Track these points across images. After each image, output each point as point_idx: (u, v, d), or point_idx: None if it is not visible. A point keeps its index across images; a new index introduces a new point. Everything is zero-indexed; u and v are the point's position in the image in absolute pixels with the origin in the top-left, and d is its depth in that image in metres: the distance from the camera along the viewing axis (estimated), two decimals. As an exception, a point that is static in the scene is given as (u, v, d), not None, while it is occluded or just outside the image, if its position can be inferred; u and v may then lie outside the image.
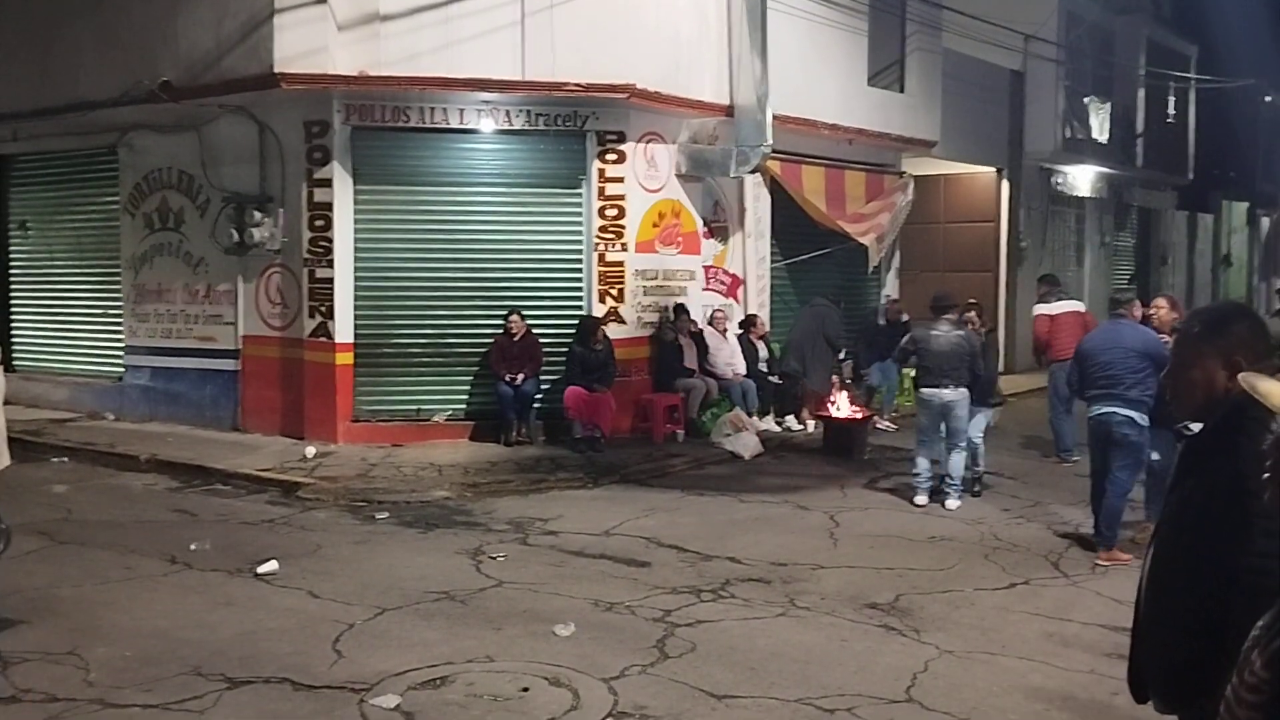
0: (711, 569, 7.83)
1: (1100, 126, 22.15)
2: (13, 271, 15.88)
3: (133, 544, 8.35)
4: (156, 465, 11.36)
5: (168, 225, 13.68)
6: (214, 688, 5.50)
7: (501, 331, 12.23)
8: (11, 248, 15.86)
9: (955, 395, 9.77)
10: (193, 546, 8.17)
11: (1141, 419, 8.15)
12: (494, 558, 8.03)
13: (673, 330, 13.08)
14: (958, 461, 9.87)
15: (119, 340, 14.33)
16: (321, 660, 5.91)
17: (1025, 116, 20.13)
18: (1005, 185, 20.08)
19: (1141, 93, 23.81)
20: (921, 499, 9.99)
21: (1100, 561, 8.11)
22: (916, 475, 10.05)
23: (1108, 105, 22.36)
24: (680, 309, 13.20)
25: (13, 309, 15.76)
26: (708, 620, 6.67)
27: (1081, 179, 22.07)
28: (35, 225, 15.63)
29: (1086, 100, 21.74)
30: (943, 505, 9.83)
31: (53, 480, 10.69)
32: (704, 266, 13.98)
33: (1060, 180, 21.48)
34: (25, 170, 15.70)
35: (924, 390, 10.02)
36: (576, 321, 12.45)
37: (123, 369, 14.29)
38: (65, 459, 11.85)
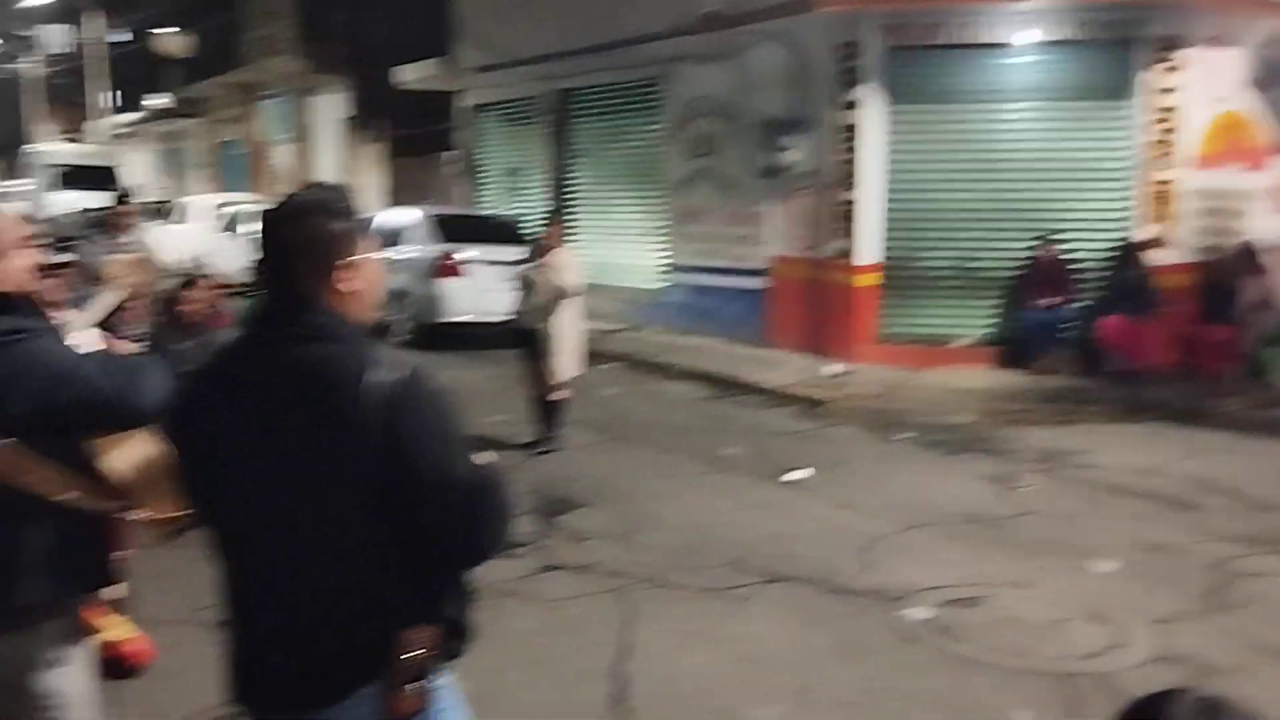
0: (1271, 521, 7.04)
1: None
2: (575, 196, 17.63)
3: (671, 445, 9.04)
4: (691, 375, 12.19)
5: (705, 151, 14.47)
6: (752, 579, 5.84)
7: (1032, 258, 11.70)
8: (573, 174, 17.60)
9: None
10: (726, 451, 8.70)
11: None
12: (1021, 487, 7.78)
13: (1233, 268, 11.71)
14: None
15: (662, 259, 15.46)
16: (849, 567, 6.06)
17: None
18: None
19: None
20: None
21: None
22: None
23: None
24: (1247, 248, 11.79)
25: (575, 230, 17.47)
26: (1268, 574, 6.02)
27: None
28: (592, 153, 17.20)
29: None
30: None
31: (604, 384, 11.82)
32: (1273, 187, 12.41)
33: None
34: (584, 102, 17.28)
35: None
36: (1116, 246, 11.59)
37: (664, 285, 15.42)
38: (615, 365, 13.06)
